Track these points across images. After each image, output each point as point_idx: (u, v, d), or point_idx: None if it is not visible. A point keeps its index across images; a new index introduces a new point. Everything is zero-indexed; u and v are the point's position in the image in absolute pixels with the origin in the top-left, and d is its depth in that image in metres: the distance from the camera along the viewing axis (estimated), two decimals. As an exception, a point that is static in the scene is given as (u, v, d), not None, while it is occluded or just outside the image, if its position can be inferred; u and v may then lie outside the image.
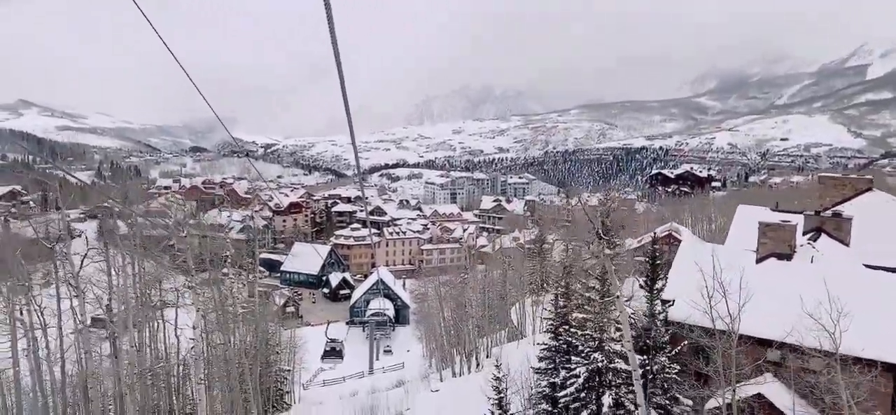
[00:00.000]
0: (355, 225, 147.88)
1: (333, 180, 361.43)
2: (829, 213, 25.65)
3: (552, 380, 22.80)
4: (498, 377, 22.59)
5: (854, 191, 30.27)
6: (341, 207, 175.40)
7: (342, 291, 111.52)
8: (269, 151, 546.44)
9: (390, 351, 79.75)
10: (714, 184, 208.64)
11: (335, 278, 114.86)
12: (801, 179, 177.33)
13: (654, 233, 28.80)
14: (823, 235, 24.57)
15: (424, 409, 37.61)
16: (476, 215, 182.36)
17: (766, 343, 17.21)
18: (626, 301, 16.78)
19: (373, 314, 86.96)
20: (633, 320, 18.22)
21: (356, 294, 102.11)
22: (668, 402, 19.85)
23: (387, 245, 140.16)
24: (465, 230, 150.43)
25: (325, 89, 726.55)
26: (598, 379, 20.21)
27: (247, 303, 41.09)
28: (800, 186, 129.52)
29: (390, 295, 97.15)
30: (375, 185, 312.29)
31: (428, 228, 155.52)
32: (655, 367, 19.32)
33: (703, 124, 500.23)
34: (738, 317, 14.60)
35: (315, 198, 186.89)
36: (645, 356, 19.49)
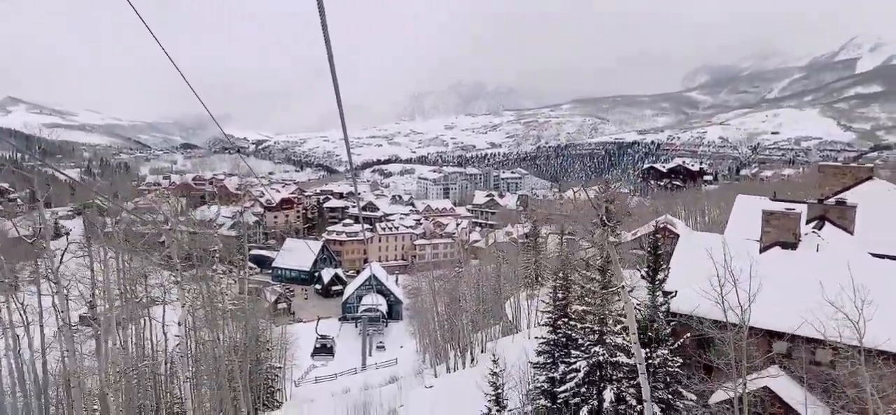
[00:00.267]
0: (347, 220, 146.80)
1: (325, 176, 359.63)
2: (832, 201, 25.12)
3: (551, 375, 22.19)
4: (495, 372, 21.87)
5: (854, 179, 29.80)
6: (333, 202, 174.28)
7: (334, 287, 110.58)
8: (260, 147, 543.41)
9: (383, 347, 78.93)
10: (706, 177, 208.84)
11: (327, 274, 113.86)
12: (792, 171, 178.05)
13: (656, 222, 28.09)
14: (827, 224, 24.05)
15: (418, 405, 36.91)
16: (469, 210, 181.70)
17: (777, 335, 16.56)
18: (629, 291, 16.08)
19: (365, 310, 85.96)
20: (638, 311, 17.54)
21: (348, 290, 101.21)
22: (670, 396, 19.23)
23: (379, 240, 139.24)
24: (458, 225, 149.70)
25: (319, 91, 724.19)
26: (599, 373, 19.58)
27: (236, 299, 40.26)
28: (791, 179, 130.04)
29: (383, 291, 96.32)
30: (368, 180, 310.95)
31: (421, 224, 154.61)
32: (657, 360, 18.70)
33: (695, 119, 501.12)
34: (749, 307, 13.91)
35: (307, 194, 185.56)
36: (646, 350, 18.85)
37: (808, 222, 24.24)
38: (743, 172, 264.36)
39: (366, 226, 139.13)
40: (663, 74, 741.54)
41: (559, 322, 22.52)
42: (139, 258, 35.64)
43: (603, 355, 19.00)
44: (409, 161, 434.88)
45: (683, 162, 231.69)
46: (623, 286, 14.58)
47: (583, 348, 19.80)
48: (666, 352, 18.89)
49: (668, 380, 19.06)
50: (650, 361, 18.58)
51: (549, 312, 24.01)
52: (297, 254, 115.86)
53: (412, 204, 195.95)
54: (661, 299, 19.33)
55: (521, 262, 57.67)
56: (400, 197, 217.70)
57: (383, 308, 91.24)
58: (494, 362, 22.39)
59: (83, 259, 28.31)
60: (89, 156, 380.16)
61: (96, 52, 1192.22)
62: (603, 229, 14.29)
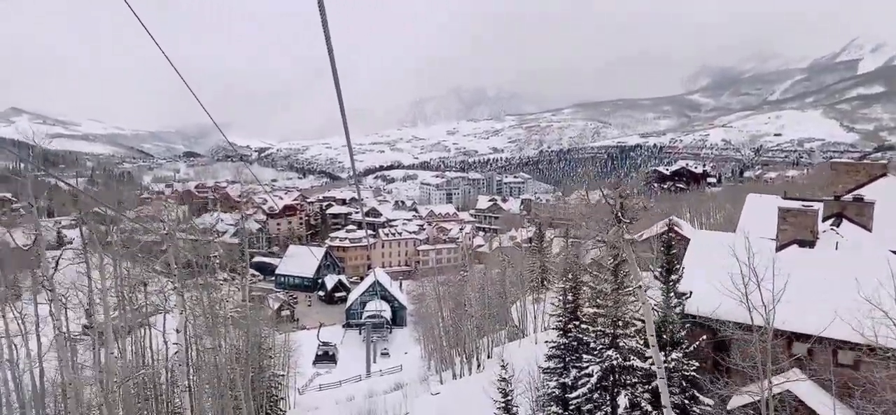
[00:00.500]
0: (351, 227, 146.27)
1: (328, 183, 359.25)
2: (849, 197, 24.42)
3: (562, 380, 21.49)
4: (504, 378, 21.19)
5: (868, 177, 29.16)
6: (336, 208, 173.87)
7: (338, 294, 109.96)
8: (263, 155, 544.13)
9: (387, 354, 78.15)
10: (709, 180, 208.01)
11: (331, 281, 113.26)
12: (797, 173, 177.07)
13: (670, 219, 27.39)
14: (844, 221, 23.36)
15: (424, 413, 36.22)
16: (472, 215, 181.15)
17: (797, 336, 15.84)
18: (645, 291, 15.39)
19: (369, 316, 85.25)
20: (654, 313, 16.86)
21: (352, 296, 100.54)
22: (687, 401, 18.54)
23: (383, 246, 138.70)
24: (461, 230, 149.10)
25: (319, 92, 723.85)
26: (612, 378, 18.88)
27: (239, 307, 39.63)
28: (796, 180, 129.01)
29: (387, 297, 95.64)
30: (370, 186, 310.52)
31: (424, 229, 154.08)
32: (671, 363, 18.02)
33: (697, 121, 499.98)
34: (773, 308, 13.23)
35: (310, 200, 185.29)
36: (661, 353, 18.18)
37: (824, 220, 23.57)
38: (746, 174, 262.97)
39: (369, 232, 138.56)
40: (664, 77, 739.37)
41: (570, 326, 21.83)
42: (138, 266, 35.08)
43: (616, 359, 18.30)
44: (411, 167, 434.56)
45: (686, 164, 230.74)
46: (640, 286, 13.92)
47: (595, 352, 19.10)
48: (680, 355, 18.24)
49: (685, 384, 18.38)
50: (665, 364, 17.90)
51: (558, 315, 23.31)
52: (301, 261, 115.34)
53: (415, 209, 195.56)
54: (674, 300, 18.68)
55: (526, 266, 57.01)
56: (403, 203, 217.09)
57: (387, 314, 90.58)
58: (503, 367, 21.74)
59: (82, 267, 27.73)
60: (93, 165, 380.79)
61: (96, 52, 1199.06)
62: (618, 226, 13.63)
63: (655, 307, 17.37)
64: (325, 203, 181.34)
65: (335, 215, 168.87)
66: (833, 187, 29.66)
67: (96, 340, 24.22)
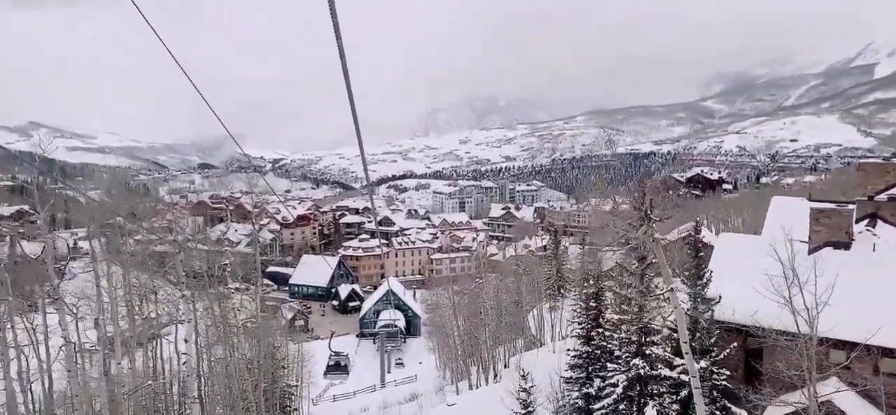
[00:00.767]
0: (364, 236, 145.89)
1: (341, 193, 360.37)
2: (884, 197, 23.37)
3: (585, 390, 20.60)
4: (525, 388, 20.32)
5: (899, 177, 28.00)
6: (349, 218, 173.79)
7: (352, 303, 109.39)
8: (277, 165, 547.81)
9: (402, 363, 77.34)
10: (725, 186, 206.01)
11: (344, 290, 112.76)
12: (814, 178, 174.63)
13: (697, 220, 26.47)
14: (879, 222, 22.34)
15: (440, 424, 35.38)
16: (485, 224, 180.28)
17: (843, 344, 14.87)
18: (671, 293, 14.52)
19: (383, 326, 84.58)
20: (688, 316, 15.99)
21: (366, 306, 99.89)
22: (718, 412, 17.62)
23: (396, 255, 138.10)
24: (474, 238, 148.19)
25: (332, 103, 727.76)
26: (639, 388, 17.98)
27: (252, 317, 39.11)
28: (813, 186, 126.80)
29: (401, 306, 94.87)
30: (383, 196, 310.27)
31: (437, 238, 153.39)
32: (701, 372, 17.12)
33: (711, 128, 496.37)
34: (818, 312, 12.34)
35: (323, 210, 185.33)
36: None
37: (857, 221, 22.56)
38: (763, 179, 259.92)
39: (382, 241, 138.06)
40: (678, 84, 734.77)
41: (592, 333, 20.96)
42: (148, 275, 34.69)
43: (643, 367, 17.40)
44: (424, 176, 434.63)
45: (702, 171, 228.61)
46: (672, 288, 13.08)
47: (620, 361, 18.22)
48: (709, 363, 17.35)
49: (715, 394, 17.47)
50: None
51: (580, 322, 22.43)
52: (314, 270, 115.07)
53: (428, 218, 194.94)
54: (702, 306, 17.81)
55: (542, 273, 56.05)
56: (416, 211, 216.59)
57: (401, 324, 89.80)
58: (523, 377, 20.89)
59: (91, 277, 27.37)
60: (109, 178, 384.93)
61: (114, 67, 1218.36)
62: (646, 224, 12.82)
63: (688, 313, 16.48)
64: (338, 213, 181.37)
65: (348, 225, 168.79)
66: (862, 188, 28.56)
67: (111, 350, 23.72)
